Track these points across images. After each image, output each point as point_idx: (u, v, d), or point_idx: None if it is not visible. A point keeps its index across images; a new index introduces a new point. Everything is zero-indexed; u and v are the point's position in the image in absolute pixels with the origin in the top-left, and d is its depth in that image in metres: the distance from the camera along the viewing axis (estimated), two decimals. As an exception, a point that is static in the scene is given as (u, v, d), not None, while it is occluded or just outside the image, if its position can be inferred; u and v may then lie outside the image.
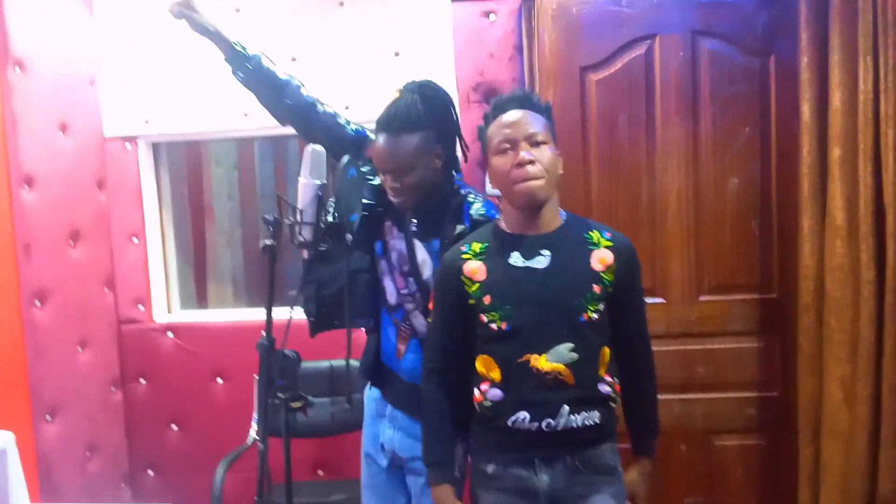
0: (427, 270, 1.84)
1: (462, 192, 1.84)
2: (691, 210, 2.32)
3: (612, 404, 1.62)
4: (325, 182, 1.60)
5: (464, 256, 1.62)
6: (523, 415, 1.55)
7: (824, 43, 1.93)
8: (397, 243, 1.87)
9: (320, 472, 3.12)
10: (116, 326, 3.10)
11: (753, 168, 2.28)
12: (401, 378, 1.89)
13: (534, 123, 1.56)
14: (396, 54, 2.85)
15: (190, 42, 2.94)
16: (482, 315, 1.58)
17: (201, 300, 3.60)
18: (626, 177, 2.33)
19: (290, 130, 3.02)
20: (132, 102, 3.00)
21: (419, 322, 1.86)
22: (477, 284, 1.59)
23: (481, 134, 1.65)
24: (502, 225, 1.64)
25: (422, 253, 1.85)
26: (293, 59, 2.91)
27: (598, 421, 1.57)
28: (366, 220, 1.80)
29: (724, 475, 2.40)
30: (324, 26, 2.88)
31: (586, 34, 2.29)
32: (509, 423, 1.56)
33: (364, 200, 1.81)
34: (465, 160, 1.91)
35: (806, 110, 1.99)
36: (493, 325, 1.57)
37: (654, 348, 1.73)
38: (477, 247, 1.62)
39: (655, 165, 2.32)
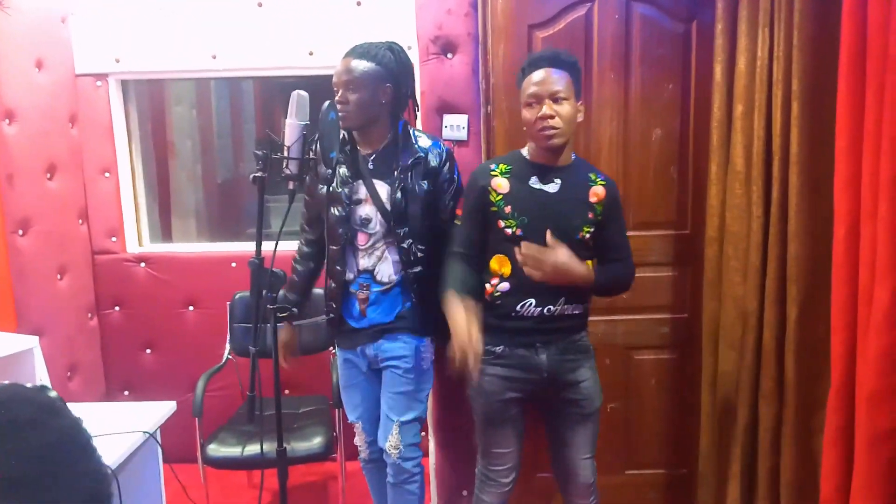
0: (388, 204, 2.17)
1: (408, 128, 2.22)
2: (621, 157, 2.62)
3: (588, 305, 2.13)
4: (309, 122, 1.85)
5: (492, 173, 2.06)
6: (530, 301, 2.01)
7: (736, 13, 2.24)
8: (353, 208, 2.19)
9: (287, 392, 3.42)
10: (91, 256, 3.29)
11: (674, 121, 2.60)
12: (364, 329, 2.27)
13: (557, 82, 1.97)
14: (358, 4, 3.05)
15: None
16: (500, 221, 2.03)
17: (166, 234, 3.79)
18: (566, 126, 2.62)
19: (250, 72, 3.25)
20: (103, 41, 3.12)
21: (394, 256, 2.20)
22: (501, 196, 2.03)
23: (518, 82, 2.05)
24: (525, 154, 2.08)
25: (383, 190, 2.17)
26: (259, 5, 3.08)
27: (580, 311, 2.08)
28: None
29: (641, 384, 2.78)
30: (290, -25, 3.05)
31: (534, -5, 2.55)
32: (518, 308, 2.01)
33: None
34: (416, 118, 2.30)
35: (718, 71, 2.31)
36: (509, 230, 2.02)
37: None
38: (503, 167, 2.07)
39: (591, 117, 2.60)
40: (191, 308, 3.34)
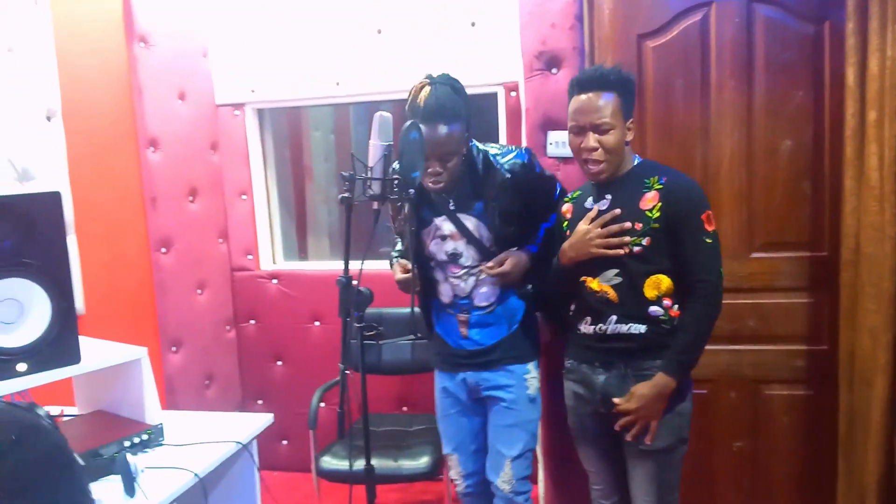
0: (483, 231, 2.12)
1: (480, 150, 2.10)
2: (744, 171, 2.41)
3: (665, 326, 1.89)
4: (392, 143, 1.86)
5: (565, 200, 2.11)
6: (587, 318, 1.96)
7: (867, 9, 1.99)
8: (438, 243, 2.16)
9: (405, 409, 3.47)
10: (229, 273, 3.53)
11: (806, 131, 2.35)
12: (467, 353, 2.21)
13: (601, 110, 1.85)
14: (473, 24, 3.06)
15: (290, 18, 3.28)
16: None
17: (302, 253, 4.00)
18: (681, 139, 2.45)
19: (370, 97, 3.34)
20: (240, 73, 3.36)
21: (491, 278, 2.13)
22: (566, 221, 2.04)
23: (568, 98, 1.95)
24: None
25: (470, 222, 2.12)
26: (379, 32, 3.18)
27: (643, 332, 1.88)
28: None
29: (771, 422, 2.52)
30: (408, 0, 3.12)
31: (643, 2, 2.41)
32: (579, 327, 1.99)
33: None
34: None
35: (850, 74, 2.06)
36: None
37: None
38: (575, 194, 2.08)
39: (710, 128, 2.42)
40: (317, 323, 3.49)
